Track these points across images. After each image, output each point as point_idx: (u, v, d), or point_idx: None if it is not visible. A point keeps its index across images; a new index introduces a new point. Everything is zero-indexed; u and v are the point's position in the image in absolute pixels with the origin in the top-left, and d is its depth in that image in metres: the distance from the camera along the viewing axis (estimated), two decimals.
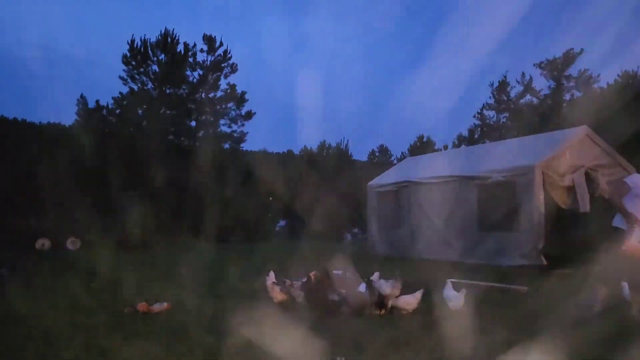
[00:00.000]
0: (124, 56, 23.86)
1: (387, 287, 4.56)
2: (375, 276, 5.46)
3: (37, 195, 22.26)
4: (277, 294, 4.95)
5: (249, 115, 26.39)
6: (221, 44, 25.71)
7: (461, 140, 40.24)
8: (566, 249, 8.16)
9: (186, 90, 25.32)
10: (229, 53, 25.86)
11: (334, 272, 5.43)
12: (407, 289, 5.02)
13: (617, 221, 4.51)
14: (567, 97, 26.35)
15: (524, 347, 3.49)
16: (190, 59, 25.11)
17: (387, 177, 13.08)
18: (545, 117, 25.25)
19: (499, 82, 27.47)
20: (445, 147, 39.23)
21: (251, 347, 3.46)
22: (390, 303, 4.60)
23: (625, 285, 4.77)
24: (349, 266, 5.37)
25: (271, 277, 5.13)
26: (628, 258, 4.26)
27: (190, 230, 22.67)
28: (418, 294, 4.76)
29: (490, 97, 28.02)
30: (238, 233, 31.49)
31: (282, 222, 40.94)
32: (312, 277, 4.96)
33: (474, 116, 28.81)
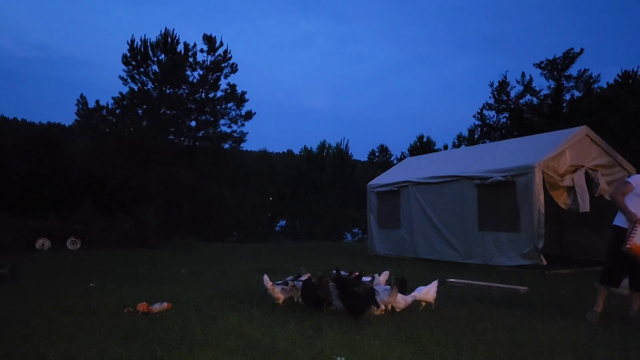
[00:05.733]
0: (124, 56, 23.89)
1: (384, 295, 4.55)
2: (384, 275, 5.43)
3: (38, 195, 22.30)
4: (278, 294, 4.94)
5: (249, 115, 26.39)
6: (221, 44, 25.77)
7: (461, 140, 40.32)
8: None
9: (186, 90, 25.30)
10: (229, 53, 25.89)
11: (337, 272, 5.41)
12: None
13: (618, 220, 4.50)
14: (567, 97, 26.36)
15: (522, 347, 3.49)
16: (190, 59, 25.13)
17: (387, 177, 13.07)
18: (545, 117, 25.27)
19: (499, 82, 27.45)
20: (445, 147, 39.31)
21: (252, 347, 3.46)
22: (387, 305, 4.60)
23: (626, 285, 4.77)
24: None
25: (266, 280, 5.11)
26: (629, 257, 4.25)
27: (189, 229, 22.68)
28: (409, 298, 4.75)
29: (490, 97, 28.00)
30: (237, 233, 31.51)
31: (282, 222, 40.91)
32: (320, 278, 4.94)
33: (474, 116, 28.77)
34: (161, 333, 3.83)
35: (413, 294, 4.86)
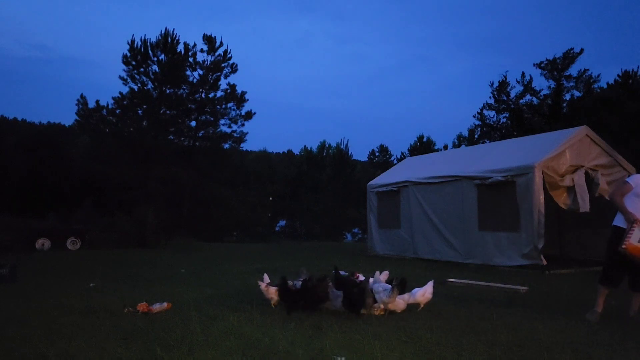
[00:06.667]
0: (124, 56, 23.90)
1: (384, 295, 4.55)
2: (384, 274, 5.43)
3: (38, 195, 22.29)
4: (274, 295, 4.94)
5: (249, 115, 26.39)
6: (221, 44, 25.79)
7: (461, 140, 40.34)
8: None
9: (186, 90, 25.30)
10: (229, 53, 25.90)
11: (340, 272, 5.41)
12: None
13: (618, 221, 4.50)
14: (567, 97, 26.37)
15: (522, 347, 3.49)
16: (190, 59, 25.14)
17: (387, 177, 13.07)
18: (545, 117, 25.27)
19: (499, 82, 27.46)
20: (445, 147, 39.32)
21: (252, 347, 3.46)
22: (386, 306, 4.60)
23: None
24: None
25: (265, 279, 5.11)
26: (628, 257, 4.25)
27: (189, 229, 22.69)
28: (407, 296, 4.75)
29: (490, 97, 28.02)
30: (237, 233, 31.49)
31: (282, 222, 40.94)
32: (319, 278, 4.95)
33: (474, 116, 28.79)
34: (161, 333, 3.83)
35: (409, 294, 4.86)
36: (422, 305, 4.87)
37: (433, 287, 4.96)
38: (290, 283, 5.09)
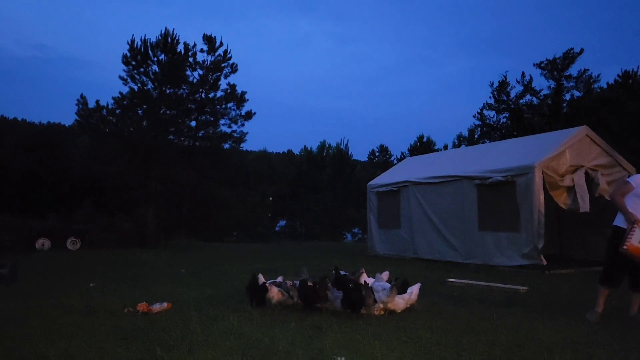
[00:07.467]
0: (124, 56, 23.86)
1: (383, 294, 4.55)
2: (384, 274, 5.43)
3: (38, 195, 22.29)
4: (275, 294, 4.94)
5: (249, 115, 26.37)
6: (221, 44, 25.76)
7: (461, 140, 40.33)
8: None
9: (186, 90, 25.28)
10: (229, 53, 25.88)
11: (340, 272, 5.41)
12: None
13: (618, 221, 4.50)
14: (567, 97, 26.37)
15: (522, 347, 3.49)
16: (190, 59, 25.10)
17: (387, 177, 13.08)
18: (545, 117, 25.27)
19: (499, 82, 27.46)
20: (445, 147, 39.31)
21: (252, 347, 3.46)
22: (387, 306, 4.60)
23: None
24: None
25: (260, 279, 5.11)
26: (629, 258, 4.25)
27: (189, 229, 22.68)
28: (407, 296, 4.76)
29: (490, 97, 28.02)
30: (237, 233, 31.48)
31: (282, 222, 40.97)
32: (320, 278, 4.95)
33: (474, 116, 28.79)
34: (161, 333, 3.83)
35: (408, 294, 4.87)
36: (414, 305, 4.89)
37: (420, 289, 4.97)
38: (290, 283, 5.10)
